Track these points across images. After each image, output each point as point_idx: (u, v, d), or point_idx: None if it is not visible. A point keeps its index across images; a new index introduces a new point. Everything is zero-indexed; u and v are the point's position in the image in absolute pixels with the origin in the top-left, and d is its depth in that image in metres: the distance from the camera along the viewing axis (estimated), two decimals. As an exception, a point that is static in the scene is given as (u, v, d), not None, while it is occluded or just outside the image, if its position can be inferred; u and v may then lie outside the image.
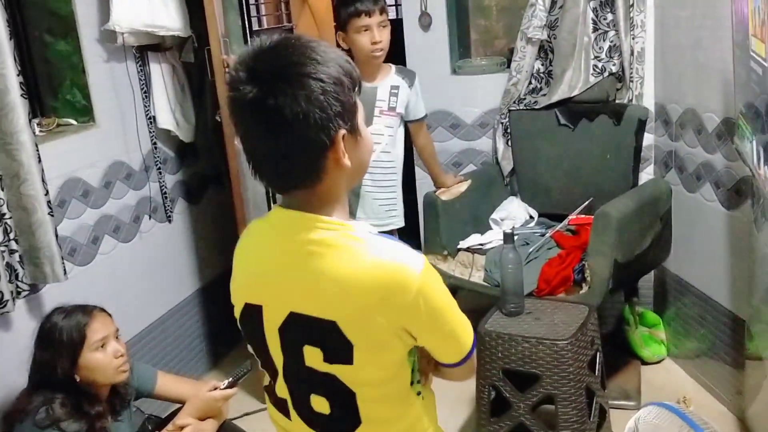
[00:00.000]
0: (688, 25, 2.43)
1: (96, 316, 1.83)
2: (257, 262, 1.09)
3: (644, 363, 2.75)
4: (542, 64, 2.85)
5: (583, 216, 2.63)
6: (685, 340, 2.68)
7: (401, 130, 2.54)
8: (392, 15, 2.51)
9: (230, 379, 1.95)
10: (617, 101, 2.70)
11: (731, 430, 2.33)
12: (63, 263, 1.97)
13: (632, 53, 2.64)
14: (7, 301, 1.85)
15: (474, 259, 2.59)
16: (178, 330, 2.78)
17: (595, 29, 2.67)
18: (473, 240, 2.65)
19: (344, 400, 1.06)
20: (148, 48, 2.53)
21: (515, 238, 2.21)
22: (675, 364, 2.75)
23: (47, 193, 1.91)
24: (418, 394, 1.13)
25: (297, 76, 0.94)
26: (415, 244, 2.74)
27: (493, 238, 2.63)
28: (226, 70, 2.40)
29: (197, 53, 2.69)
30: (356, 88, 1.01)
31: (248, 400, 2.65)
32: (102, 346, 1.80)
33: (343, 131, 0.98)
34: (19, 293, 1.92)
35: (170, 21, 2.46)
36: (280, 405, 1.15)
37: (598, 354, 2.14)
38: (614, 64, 2.68)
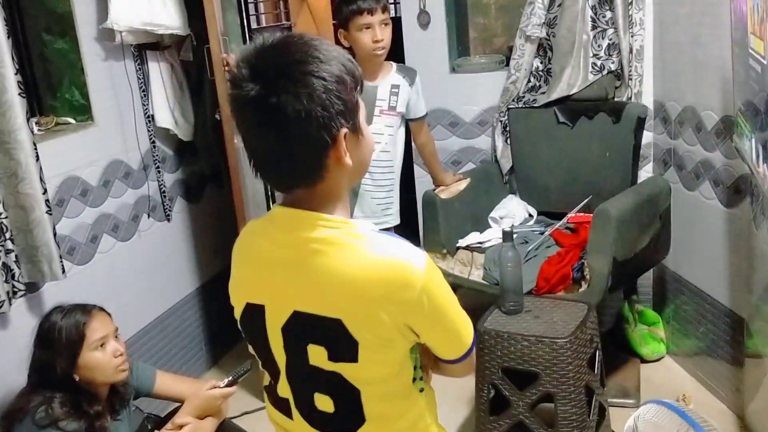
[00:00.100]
0: (687, 23, 2.43)
1: (95, 315, 1.83)
2: (259, 261, 1.09)
3: (644, 361, 2.75)
4: (541, 62, 2.85)
5: (582, 214, 2.63)
6: (685, 338, 2.68)
7: (402, 130, 2.53)
8: (391, 13, 2.51)
9: (230, 377, 1.95)
10: (616, 99, 2.70)
11: (730, 428, 2.33)
12: (61, 262, 1.97)
13: (631, 51, 2.64)
14: (3, 301, 1.84)
15: (473, 257, 2.59)
16: (178, 329, 2.77)
17: (594, 27, 2.67)
18: (472, 238, 2.65)
19: (349, 398, 1.06)
20: (146, 46, 2.52)
21: (514, 236, 2.21)
22: (674, 362, 2.76)
23: (45, 192, 1.91)
24: (421, 390, 1.13)
25: (299, 74, 0.94)
26: (414, 242, 2.73)
27: (492, 236, 2.63)
28: (226, 68, 2.40)
29: (196, 52, 2.68)
30: (358, 87, 1.01)
31: (248, 398, 2.65)
32: (101, 346, 1.80)
33: (345, 130, 0.98)
34: (15, 293, 1.92)
35: (169, 19, 2.45)
36: (282, 405, 1.15)
37: (597, 352, 2.14)
38: (613, 62, 2.67)
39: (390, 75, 2.47)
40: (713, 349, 2.49)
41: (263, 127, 0.96)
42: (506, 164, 2.94)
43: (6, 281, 1.87)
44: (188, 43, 2.67)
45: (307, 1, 2.78)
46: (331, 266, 1.00)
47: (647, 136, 2.73)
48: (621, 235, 2.27)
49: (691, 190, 2.50)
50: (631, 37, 2.63)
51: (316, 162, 0.98)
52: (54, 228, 1.94)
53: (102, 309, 1.87)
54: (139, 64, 2.51)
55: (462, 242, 2.64)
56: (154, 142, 2.60)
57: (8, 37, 1.81)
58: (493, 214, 2.81)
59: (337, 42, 2.39)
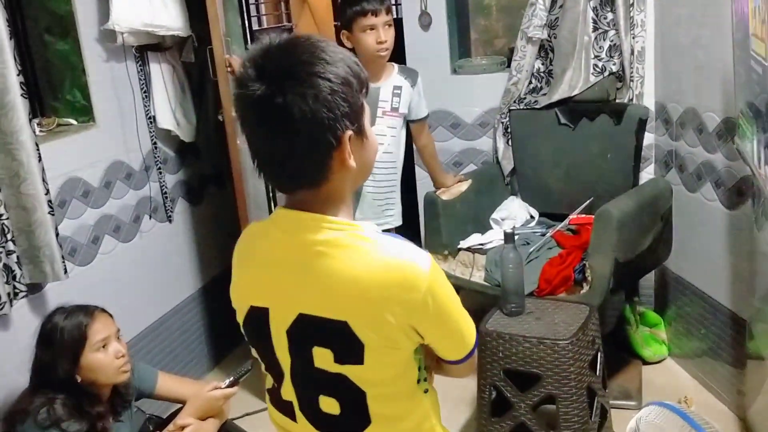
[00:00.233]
0: (688, 25, 2.43)
1: (97, 316, 1.82)
2: (262, 264, 1.08)
3: (645, 363, 2.75)
4: (542, 64, 2.85)
5: (583, 215, 2.63)
6: (686, 339, 2.68)
7: (404, 131, 2.53)
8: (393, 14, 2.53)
9: (231, 378, 1.94)
10: (617, 101, 2.70)
11: (732, 430, 2.33)
12: (63, 262, 1.97)
13: (632, 52, 2.64)
14: (4, 303, 1.84)
15: (475, 258, 2.59)
16: (179, 330, 2.77)
17: (596, 28, 2.67)
18: (474, 240, 2.64)
19: (354, 399, 1.06)
20: (147, 48, 2.52)
21: (516, 237, 2.21)
22: (676, 364, 2.75)
23: (48, 192, 1.91)
24: (426, 391, 1.13)
25: (306, 75, 0.94)
26: (416, 243, 2.73)
27: (493, 237, 2.63)
28: (228, 69, 2.40)
29: (197, 53, 2.68)
30: (364, 90, 1.01)
31: (250, 399, 2.65)
32: (103, 347, 1.80)
33: (349, 132, 0.98)
34: (16, 294, 1.92)
35: (170, 20, 2.45)
36: (285, 407, 1.14)
37: (599, 354, 2.14)
38: (614, 64, 2.67)
39: (392, 76, 2.47)
40: (715, 350, 2.49)
41: (268, 127, 0.96)
42: (507, 166, 2.93)
43: (7, 282, 1.87)
44: (189, 44, 2.67)
45: (308, 3, 2.78)
46: (337, 268, 0.99)
47: (649, 138, 2.73)
48: (622, 236, 2.26)
49: (692, 191, 2.50)
50: (633, 38, 2.63)
51: (320, 163, 0.98)
52: (56, 228, 1.94)
53: (104, 310, 1.87)
54: (140, 65, 2.52)
55: (463, 244, 2.64)
56: (155, 143, 2.60)
57: (10, 39, 1.81)
58: (494, 215, 2.81)
59: (339, 43, 2.39)
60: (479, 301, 2.41)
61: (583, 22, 2.65)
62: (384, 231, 1.07)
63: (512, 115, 2.87)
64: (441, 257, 2.63)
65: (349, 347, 1.01)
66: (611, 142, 2.66)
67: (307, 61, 0.95)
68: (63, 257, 1.97)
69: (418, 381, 1.11)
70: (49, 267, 1.94)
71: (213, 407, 1.93)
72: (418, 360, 1.10)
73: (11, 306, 1.89)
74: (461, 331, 1.09)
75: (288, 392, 1.12)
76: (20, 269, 1.91)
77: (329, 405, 1.08)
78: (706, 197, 2.41)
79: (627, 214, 2.30)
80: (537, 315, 2.16)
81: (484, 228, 2.76)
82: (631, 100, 2.67)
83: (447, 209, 2.63)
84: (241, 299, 1.12)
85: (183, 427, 1.88)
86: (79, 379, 1.77)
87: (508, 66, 2.92)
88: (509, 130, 2.89)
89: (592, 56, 2.68)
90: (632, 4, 2.60)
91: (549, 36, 2.78)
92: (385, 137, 2.43)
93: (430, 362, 1.15)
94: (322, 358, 1.04)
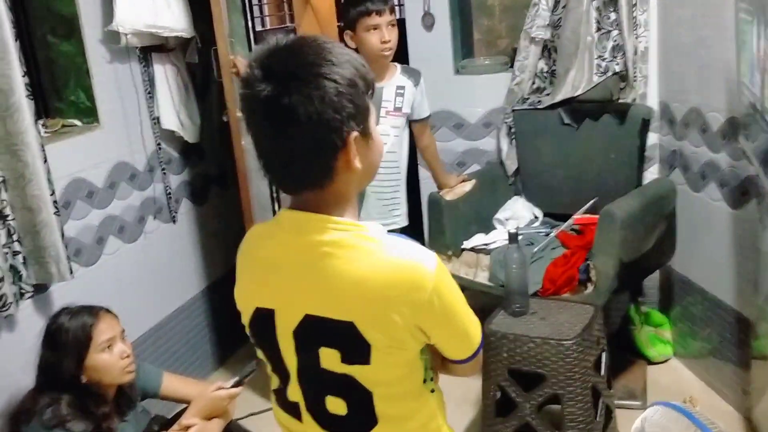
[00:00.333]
0: (691, 25, 2.43)
1: (102, 317, 1.83)
2: (267, 265, 1.08)
3: (650, 363, 2.75)
4: (546, 64, 2.85)
5: (587, 216, 2.62)
6: (691, 339, 2.68)
7: (407, 131, 2.53)
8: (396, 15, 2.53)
9: (236, 378, 1.95)
10: (621, 101, 2.70)
11: (738, 430, 2.33)
12: (69, 263, 1.97)
13: (636, 52, 2.63)
14: (11, 303, 1.85)
15: (478, 259, 2.59)
16: (184, 330, 2.78)
17: (599, 29, 2.67)
18: (478, 240, 2.64)
19: (361, 400, 1.06)
20: (151, 49, 2.53)
21: (520, 237, 2.21)
22: (681, 364, 2.75)
23: (53, 193, 1.91)
24: (432, 391, 1.13)
25: (312, 76, 0.94)
26: (419, 243, 2.73)
27: (497, 238, 2.63)
28: (233, 70, 2.40)
29: (201, 54, 2.69)
30: (370, 92, 1.01)
31: (254, 399, 2.65)
32: (108, 347, 1.80)
33: (355, 133, 0.98)
34: (22, 294, 1.92)
35: (174, 22, 2.46)
36: (291, 408, 1.14)
37: (603, 354, 2.14)
38: (618, 64, 2.67)
39: (395, 76, 2.47)
40: (720, 350, 2.48)
41: (274, 128, 0.96)
42: (511, 166, 2.93)
43: (13, 283, 1.88)
44: (193, 45, 2.68)
45: (311, 3, 2.78)
46: (343, 269, 1.00)
47: (652, 138, 2.72)
48: (627, 236, 2.26)
49: (697, 191, 2.49)
50: (636, 38, 2.63)
51: (326, 164, 0.98)
52: (62, 229, 1.95)
53: (109, 311, 1.87)
54: (144, 67, 2.52)
55: (467, 244, 2.64)
56: (159, 144, 2.61)
57: (15, 40, 1.82)
58: (498, 215, 2.81)
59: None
60: (483, 302, 2.41)
61: (586, 22, 2.65)
62: (390, 231, 1.07)
63: (516, 115, 2.87)
64: (445, 258, 2.63)
65: (356, 348, 1.01)
66: (615, 142, 2.65)
67: (313, 62, 0.95)
68: (68, 258, 1.98)
69: (425, 381, 1.11)
70: (55, 267, 1.94)
71: (218, 407, 1.93)
72: (425, 360, 1.10)
73: (17, 306, 1.89)
74: (467, 330, 1.09)
75: (294, 393, 1.12)
76: (26, 270, 1.92)
77: (336, 405, 1.08)
78: (710, 197, 2.41)
79: (631, 214, 2.29)
80: (541, 315, 2.16)
81: (487, 228, 2.76)
82: (635, 100, 2.67)
83: (450, 210, 2.63)
84: (247, 301, 1.12)
85: (188, 427, 1.88)
86: (84, 380, 1.77)
87: (511, 66, 2.92)
88: (513, 130, 2.89)
89: (595, 56, 2.68)
90: (635, 4, 2.60)
91: (552, 36, 2.78)
92: (388, 137, 2.43)
93: (436, 362, 1.15)
94: (329, 358, 1.04)
